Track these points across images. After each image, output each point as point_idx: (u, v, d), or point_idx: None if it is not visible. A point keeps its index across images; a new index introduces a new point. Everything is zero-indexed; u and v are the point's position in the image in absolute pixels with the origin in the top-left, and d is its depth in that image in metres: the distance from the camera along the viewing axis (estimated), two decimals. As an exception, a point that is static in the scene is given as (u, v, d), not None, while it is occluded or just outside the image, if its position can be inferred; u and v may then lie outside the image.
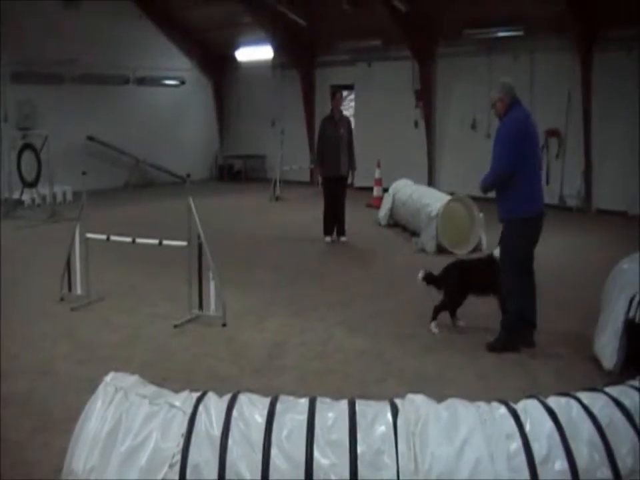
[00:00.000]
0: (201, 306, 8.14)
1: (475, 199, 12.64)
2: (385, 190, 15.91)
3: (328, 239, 13.25)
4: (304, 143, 22.12)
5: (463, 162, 18.55)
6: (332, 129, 12.87)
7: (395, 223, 14.59)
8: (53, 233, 13.30)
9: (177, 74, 23.12)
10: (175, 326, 7.88)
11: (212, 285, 7.98)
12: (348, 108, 21.11)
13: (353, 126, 13.89)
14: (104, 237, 8.75)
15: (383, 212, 14.89)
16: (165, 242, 8.33)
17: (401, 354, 7.09)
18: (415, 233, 12.97)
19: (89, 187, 9.21)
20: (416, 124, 19.84)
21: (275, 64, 22.41)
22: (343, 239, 13.26)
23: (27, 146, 16.13)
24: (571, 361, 6.86)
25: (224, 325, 7.86)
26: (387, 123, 20.03)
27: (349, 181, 13.55)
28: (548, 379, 6.36)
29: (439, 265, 8.53)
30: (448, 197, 12.52)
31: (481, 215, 11.89)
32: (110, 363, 6.48)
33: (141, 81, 22.09)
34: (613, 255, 7.69)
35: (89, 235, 8.81)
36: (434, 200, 12.54)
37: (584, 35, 15.66)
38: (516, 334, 7.22)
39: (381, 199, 16.11)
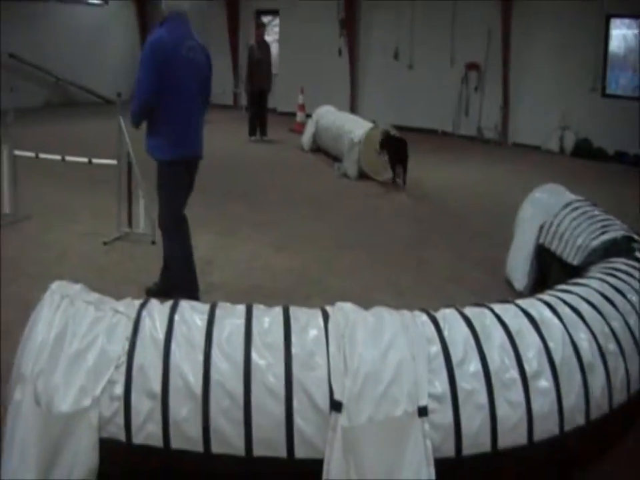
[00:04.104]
0: (130, 224, 8.21)
1: (398, 128, 12.95)
2: (308, 116, 16.05)
3: (253, 138, 15.95)
4: (228, 67, 21.93)
5: (385, 91, 18.77)
6: (257, 54, 15.37)
7: (317, 148, 14.75)
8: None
9: (100, -7, 22.46)
10: (105, 243, 7.96)
11: (141, 203, 8.05)
12: (272, 33, 20.97)
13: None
14: (32, 154, 8.63)
15: (306, 137, 15.04)
16: (95, 160, 8.33)
17: (325, 273, 7.37)
18: (337, 159, 13.17)
19: (9, 105, 9.04)
20: (340, 52, 19.88)
21: (201, -14, 22.02)
22: (265, 138, 16.01)
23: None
24: (485, 283, 7.22)
25: (153, 242, 7.90)
26: (311, 50, 19.96)
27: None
28: (464, 298, 6.70)
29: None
30: (370, 125, 12.72)
31: (403, 143, 12.10)
32: (40, 280, 6.49)
33: (64, -1, 21.41)
34: (527, 185, 7.98)
35: (17, 152, 8.65)
36: (356, 127, 12.74)
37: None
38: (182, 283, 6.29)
39: (303, 124, 16.21)
